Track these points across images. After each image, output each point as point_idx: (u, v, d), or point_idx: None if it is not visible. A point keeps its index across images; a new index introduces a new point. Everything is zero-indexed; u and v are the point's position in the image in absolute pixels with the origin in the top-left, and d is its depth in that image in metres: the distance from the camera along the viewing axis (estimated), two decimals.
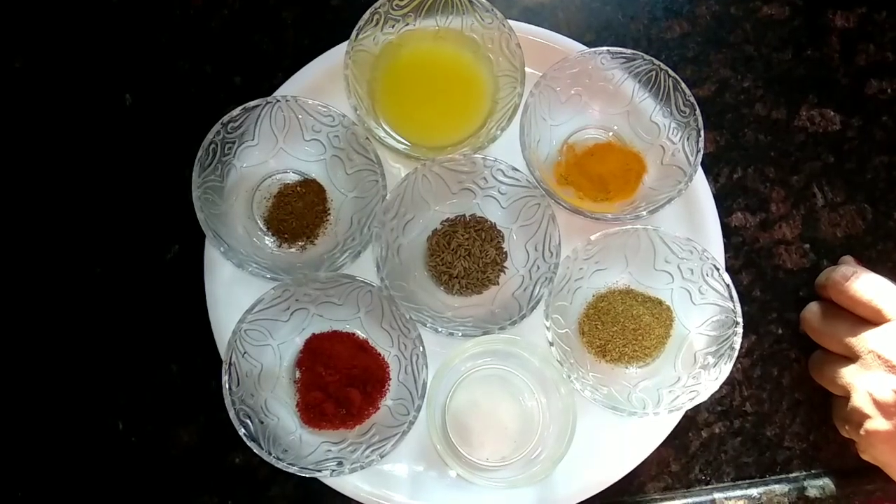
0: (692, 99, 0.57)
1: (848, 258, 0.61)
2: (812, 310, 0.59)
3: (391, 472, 0.56)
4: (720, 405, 0.60)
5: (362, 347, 0.57)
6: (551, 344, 0.54)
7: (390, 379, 0.56)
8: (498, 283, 0.59)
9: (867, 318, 0.54)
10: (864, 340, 0.53)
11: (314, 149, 0.59)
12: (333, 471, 0.51)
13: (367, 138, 0.56)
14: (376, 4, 0.56)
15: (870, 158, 0.65)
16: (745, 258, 0.63)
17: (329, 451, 0.53)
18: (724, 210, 0.62)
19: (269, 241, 0.59)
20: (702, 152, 0.56)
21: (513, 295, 0.58)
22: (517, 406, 0.58)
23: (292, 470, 0.50)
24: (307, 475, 0.51)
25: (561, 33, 0.62)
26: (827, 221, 0.64)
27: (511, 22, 0.58)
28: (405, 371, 0.55)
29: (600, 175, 0.60)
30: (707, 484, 0.60)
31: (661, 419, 0.57)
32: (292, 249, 0.59)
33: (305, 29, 0.64)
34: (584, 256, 0.57)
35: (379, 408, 0.56)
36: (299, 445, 0.53)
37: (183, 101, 0.63)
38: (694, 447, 0.60)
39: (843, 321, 0.56)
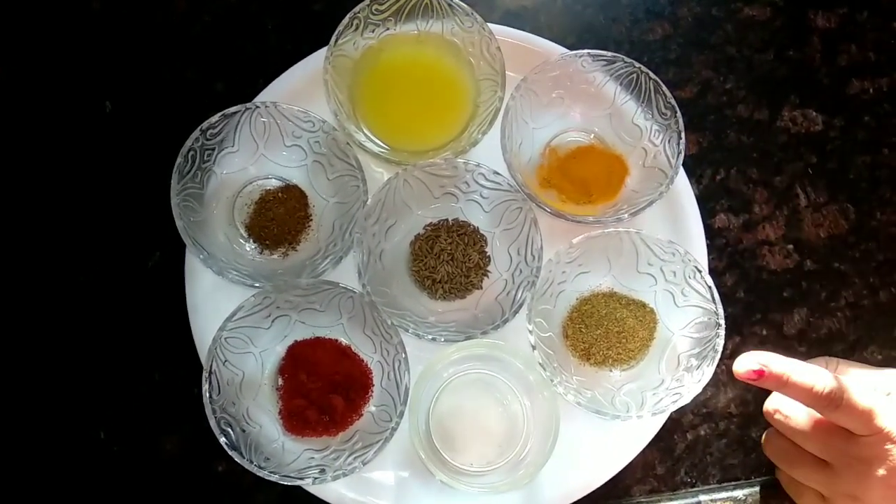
0: (673, 101, 0.57)
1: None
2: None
3: (376, 479, 0.56)
4: (705, 407, 0.60)
5: (345, 354, 0.56)
6: (534, 347, 0.54)
7: (373, 385, 0.56)
8: (481, 288, 0.59)
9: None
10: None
11: (295, 154, 0.58)
12: (316, 478, 0.50)
13: (348, 143, 0.56)
14: (356, 9, 0.56)
15: (852, 158, 0.65)
16: (728, 259, 0.63)
17: (312, 458, 0.53)
18: (707, 212, 0.62)
19: (250, 247, 0.59)
20: (683, 154, 0.56)
21: (496, 299, 0.58)
22: (501, 410, 0.58)
23: (274, 478, 0.50)
24: (289, 483, 0.50)
25: (543, 36, 0.62)
26: (810, 222, 0.64)
27: (492, 25, 0.58)
28: (388, 377, 0.55)
29: (583, 178, 0.60)
30: (693, 486, 0.59)
31: (646, 422, 0.57)
32: (274, 256, 0.59)
33: (287, 34, 0.64)
34: (566, 260, 0.56)
35: (362, 414, 0.55)
36: (282, 453, 0.53)
37: (164, 108, 0.63)
38: (679, 450, 0.60)
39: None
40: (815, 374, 0.49)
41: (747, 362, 0.50)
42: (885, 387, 0.52)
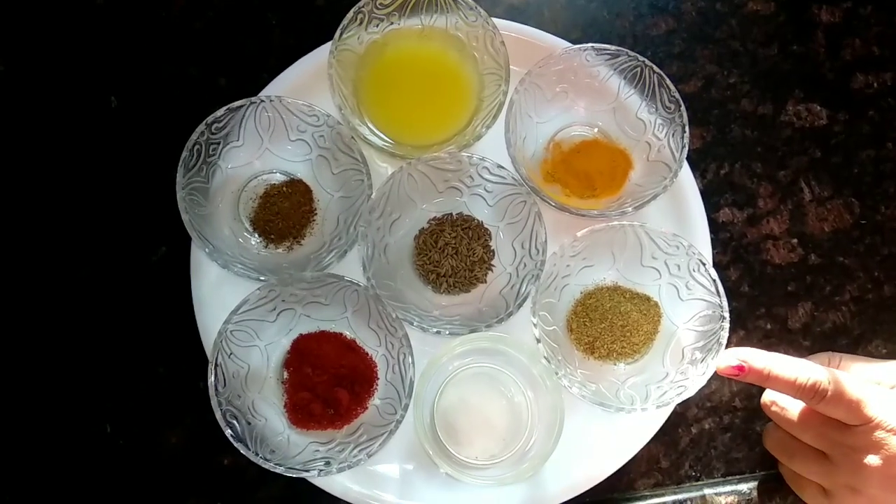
0: (677, 95, 0.57)
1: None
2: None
3: (380, 472, 0.56)
4: (709, 401, 0.60)
5: (350, 347, 0.56)
6: (538, 341, 0.54)
7: (378, 378, 0.56)
8: (485, 282, 0.59)
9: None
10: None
11: (300, 149, 0.59)
12: (321, 471, 0.50)
13: (353, 137, 0.56)
14: (360, 4, 0.56)
15: (856, 153, 0.65)
16: (732, 254, 0.63)
17: (317, 451, 0.53)
18: (711, 206, 0.62)
19: (255, 241, 0.59)
20: (687, 148, 0.56)
21: (500, 293, 0.58)
22: (506, 404, 0.58)
23: (279, 470, 0.50)
24: (294, 475, 0.50)
25: (547, 31, 0.62)
26: (814, 216, 0.64)
27: (497, 20, 0.58)
28: (392, 370, 0.55)
29: (587, 172, 0.60)
30: (697, 480, 0.59)
31: (650, 415, 0.57)
32: (279, 250, 0.59)
33: (290, 29, 0.64)
34: (570, 253, 0.56)
35: (367, 407, 0.55)
36: (287, 446, 0.53)
37: (168, 103, 0.63)
38: (684, 443, 0.60)
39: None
40: (798, 367, 0.49)
41: (727, 358, 0.51)
42: (889, 379, 0.52)
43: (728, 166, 0.64)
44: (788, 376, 0.49)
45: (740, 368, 0.50)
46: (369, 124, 0.59)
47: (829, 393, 0.48)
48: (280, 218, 0.58)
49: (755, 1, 0.67)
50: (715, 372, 0.51)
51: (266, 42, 0.64)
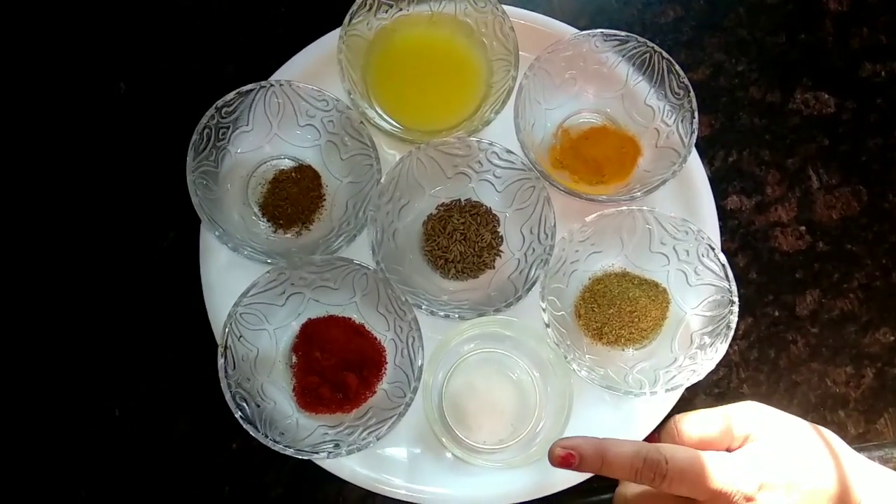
0: (686, 81, 0.57)
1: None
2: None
3: (388, 456, 0.56)
4: (717, 387, 0.60)
5: (358, 332, 0.56)
6: (547, 326, 0.54)
7: (387, 362, 0.56)
8: (494, 267, 0.59)
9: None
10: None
11: (309, 134, 0.59)
12: (330, 453, 0.50)
13: (362, 122, 0.56)
14: None
15: (864, 140, 0.65)
16: (741, 241, 0.63)
17: (326, 434, 0.53)
18: (719, 193, 0.62)
19: (264, 226, 0.59)
20: (696, 133, 0.57)
21: (509, 278, 0.58)
22: (514, 389, 0.58)
23: (289, 452, 0.50)
24: (304, 457, 0.50)
25: (555, 18, 0.62)
26: (822, 203, 0.64)
27: (505, 7, 0.58)
28: (401, 354, 0.55)
29: (595, 159, 0.60)
30: None
31: (659, 401, 0.57)
32: (288, 235, 0.59)
33: (299, 16, 0.65)
34: (579, 238, 0.57)
35: (375, 391, 0.55)
36: (296, 429, 0.53)
37: (177, 89, 0.63)
38: None
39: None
40: (632, 449, 0.44)
41: (555, 449, 0.45)
42: (739, 428, 0.46)
43: (736, 154, 0.64)
44: (623, 460, 0.44)
45: (570, 457, 0.45)
46: (378, 109, 0.59)
47: (669, 471, 0.43)
48: (289, 203, 0.58)
49: None
50: (559, 457, 0.45)
51: (275, 28, 0.64)
